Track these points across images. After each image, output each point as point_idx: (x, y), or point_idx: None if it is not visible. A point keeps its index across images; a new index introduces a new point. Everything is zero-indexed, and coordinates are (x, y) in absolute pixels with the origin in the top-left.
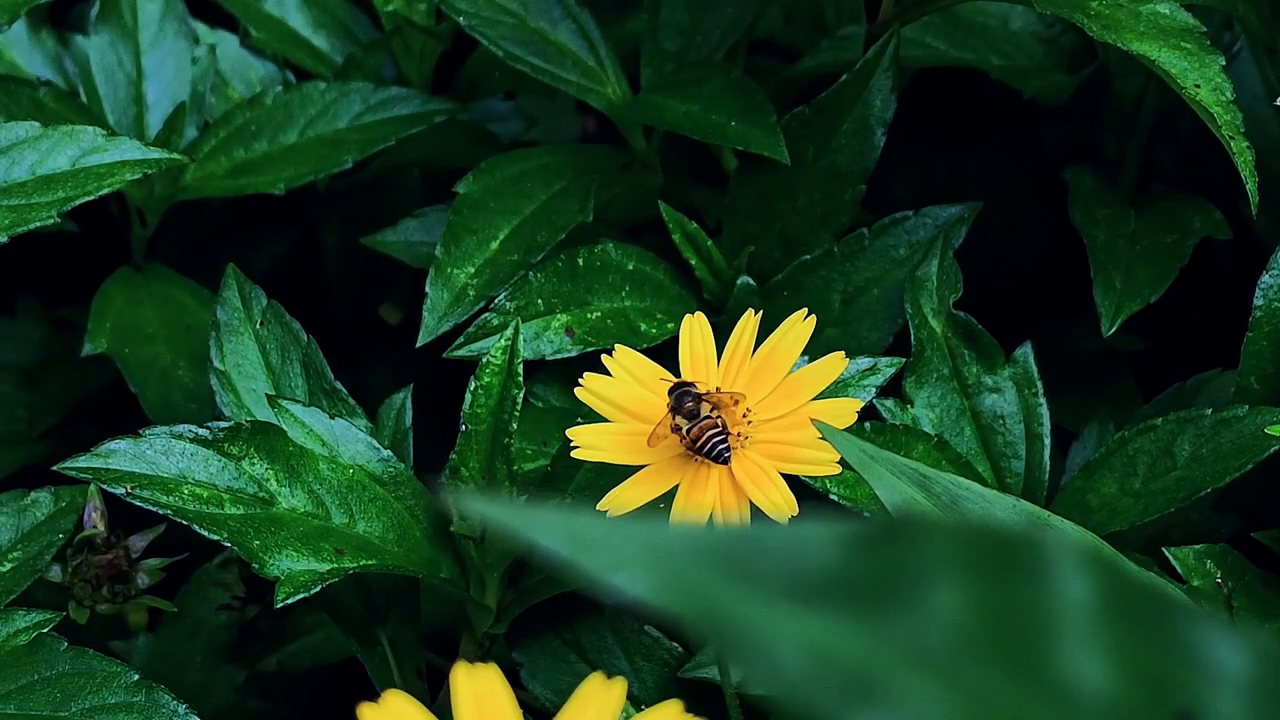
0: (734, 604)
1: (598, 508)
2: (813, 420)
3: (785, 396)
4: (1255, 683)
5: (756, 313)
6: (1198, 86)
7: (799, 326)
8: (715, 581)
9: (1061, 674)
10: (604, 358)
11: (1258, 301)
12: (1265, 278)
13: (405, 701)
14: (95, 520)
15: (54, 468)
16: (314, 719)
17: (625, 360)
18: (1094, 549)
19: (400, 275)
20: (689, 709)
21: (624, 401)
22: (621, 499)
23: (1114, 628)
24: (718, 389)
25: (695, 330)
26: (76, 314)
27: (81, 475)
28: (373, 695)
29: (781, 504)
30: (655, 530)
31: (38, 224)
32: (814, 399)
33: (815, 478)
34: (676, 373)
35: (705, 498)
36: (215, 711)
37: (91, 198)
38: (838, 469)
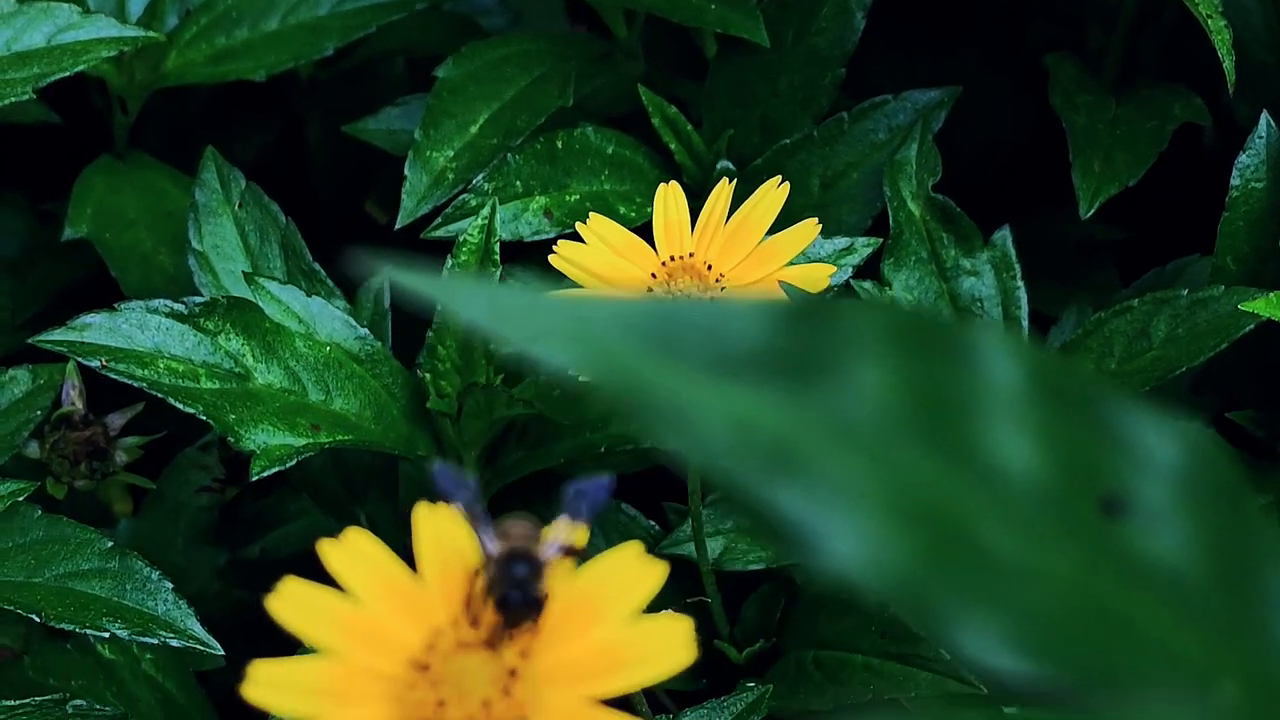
0: (657, 376)
1: None
2: (781, 284)
3: (758, 263)
4: (1184, 472)
5: (731, 181)
6: None
7: (772, 194)
8: (639, 354)
9: (987, 454)
10: (578, 225)
11: (1234, 181)
12: (1242, 157)
13: (366, 538)
14: (73, 398)
15: (30, 340)
16: None
17: (599, 228)
18: (1024, 343)
19: (385, 166)
20: (667, 585)
21: (597, 268)
22: None
23: (1042, 412)
24: (690, 254)
25: (669, 198)
26: (60, 207)
27: (57, 348)
28: None
29: None
30: (578, 304)
31: (13, 99)
32: (786, 266)
33: None
34: (651, 242)
35: None
36: (198, 595)
37: (67, 74)
38: None
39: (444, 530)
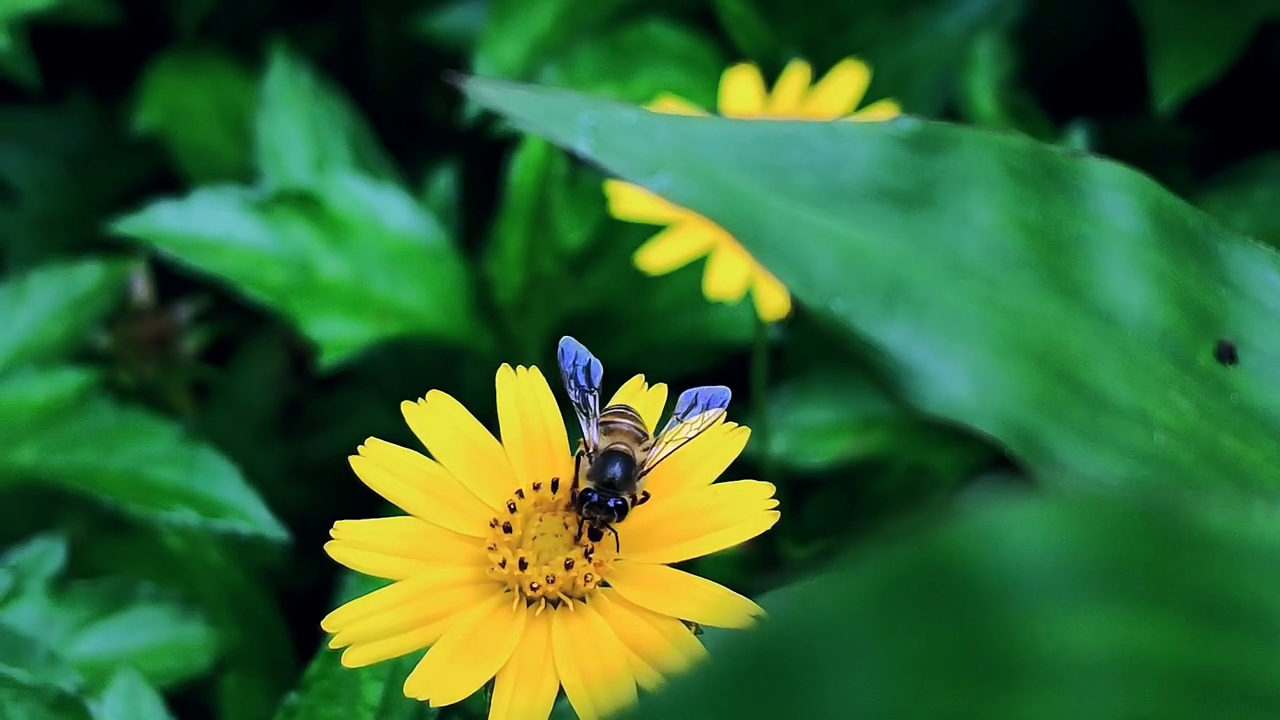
0: (772, 215)
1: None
2: None
3: None
4: None
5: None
6: None
7: (845, 74)
8: (749, 184)
9: (1102, 295)
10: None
11: None
12: None
13: (448, 401)
14: (142, 290)
15: (103, 227)
16: (356, 507)
17: (667, 108)
18: (1145, 180)
19: (448, 70)
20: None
21: None
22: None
23: (1160, 255)
24: None
25: (740, 79)
26: (125, 105)
27: (129, 235)
28: None
29: None
30: (686, 126)
31: None
32: None
33: None
34: None
35: None
36: (262, 493)
37: None
38: None
39: (526, 394)
